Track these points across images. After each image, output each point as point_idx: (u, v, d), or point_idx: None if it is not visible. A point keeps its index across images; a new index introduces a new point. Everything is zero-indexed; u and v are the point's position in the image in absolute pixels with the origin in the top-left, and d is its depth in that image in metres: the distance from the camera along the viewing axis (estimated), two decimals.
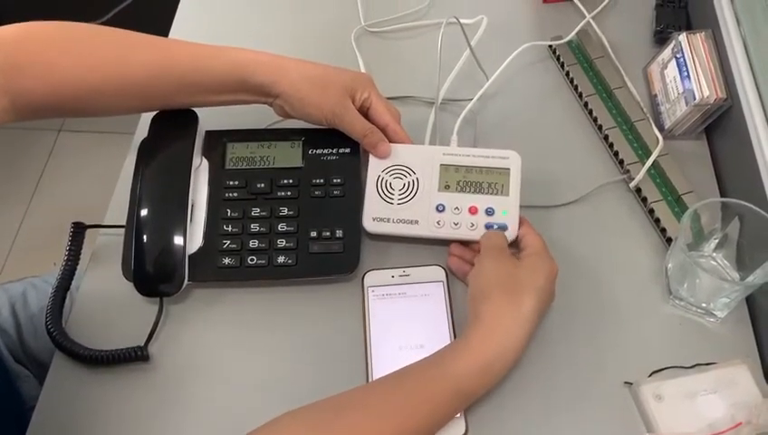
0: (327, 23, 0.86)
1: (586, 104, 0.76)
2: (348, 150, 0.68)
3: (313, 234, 0.64)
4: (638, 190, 0.70)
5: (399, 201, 0.66)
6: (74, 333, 0.63)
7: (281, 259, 0.64)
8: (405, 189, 0.66)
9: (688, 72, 0.71)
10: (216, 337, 0.64)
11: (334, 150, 0.68)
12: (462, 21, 0.76)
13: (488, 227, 0.64)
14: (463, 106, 0.75)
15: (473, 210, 0.65)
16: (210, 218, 0.66)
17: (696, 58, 0.71)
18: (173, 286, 0.63)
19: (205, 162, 0.68)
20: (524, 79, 0.80)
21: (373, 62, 0.81)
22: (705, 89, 0.69)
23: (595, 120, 0.75)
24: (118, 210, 0.69)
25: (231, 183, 0.67)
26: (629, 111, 0.73)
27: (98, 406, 0.60)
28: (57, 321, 0.62)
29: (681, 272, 0.62)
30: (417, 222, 0.65)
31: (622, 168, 0.71)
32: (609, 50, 0.79)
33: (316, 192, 0.66)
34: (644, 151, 0.71)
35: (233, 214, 0.66)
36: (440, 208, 0.65)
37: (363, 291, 0.64)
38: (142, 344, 0.61)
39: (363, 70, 0.80)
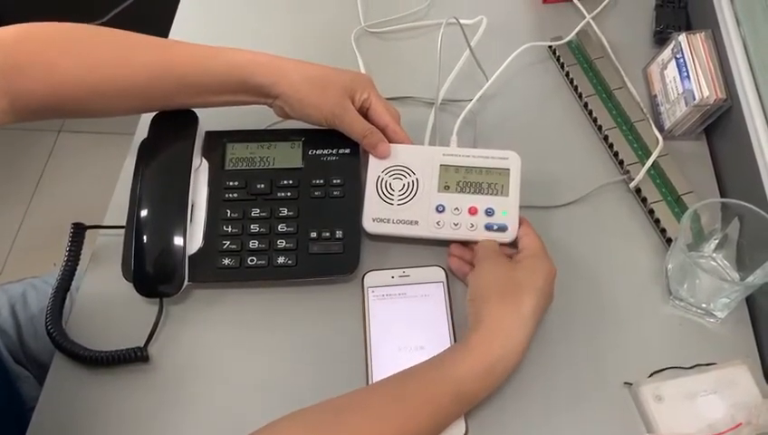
0: (327, 23, 0.86)
1: (586, 105, 0.76)
2: (348, 151, 0.68)
3: (313, 234, 0.64)
4: (638, 191, 0.70)
5: (399, 202, 0.66)
6: (74, 333, 0.63)
7: (281, 260, 0.64)
8: (405, 190, 0.66)
9: (688, 73, 0.71)
10: (216, 338, 0.64)
11: (334, 151, 0.68)
12: (462, 21, 0.76)
13: (488, 227, 0.64)
14: (462, 107, 0.75)
15: (473, 211, 0.65)
16: (210, 219, 0.66)
17: (695, 58, 0.71)
18: (173, 287, 0.63)
19: (204, 163, 0.68)
20: (524, 79, 0.80)
21: (373, 62, 0.81)
22: (705, 89, 0.69)
23: (595, 120, 0.75)
24: (118, 211, 0.69)
25: (231, 184, 0.67)
26: (629, 112, 0.73)
27: (98, 407, 0.60)
28: (57, 321, 0.62)
29: (681, 272, 0.62)
30: (416, 223, 0.65)
31: (622, 168, 0.71)
32: (609, 50, 0.79)
33: (316, 193, 0.66)
34: (644, 152, 0.71)
35: (233, 214, 0.66)
36: (440, 209, 0.65)
37: (363, 291, 0.64)
38: (142, 345, 0.61)
39: (363, 70, 0.80)
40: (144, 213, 0.62)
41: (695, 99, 0.69)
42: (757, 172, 0.64)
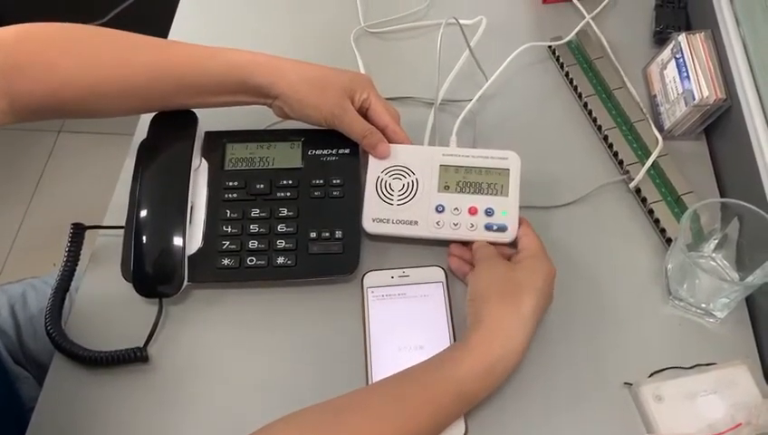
0: (326, 23, 0.86)
1: (585, 105, 0.76)
2: (347, 151, 0.68)
3: (313, 235, 0.64)
4: (638, 191, 0.70)
5: (399, 202, 0.66)
6: (74, 334, 0.63)
7: (280, 260, 0.64)
8: (404, 190, 0.66)
9: (688, 73, 0.71)
10: (216, 338, 0.64)
11: (334, 151, 0.68)
12: (461, 21, 0.76)
13: (488, 227, 0.64)
14: (462, 107, 0.75)
15: (472, 211, 0.65)
16: (209, 219, 0.66)
17: (695, 58, 0.71)
18: (172, 287, 0.63)
19: (204, 163, 0.68)
20: (524, 79, 0.80)
21: (373, 62, 0.81)
22: (705, 89, 0.69)
23: (594, 120, 0.75)
24: (117, 211, 0.69)
25: (230, 184, 0.67)
26: (629, 112, 0.73)
27: (97, 407, 0.60)
28: (56, 322, 0.62)
29: (681, 272, 0.62)
30: (416, 223, 0.65)
31: (622, 168, 0.71)
32: (609, 50, 0.79)
33: (316, 193, 0.66)
34: (643, 152, 0.71)
35: (232, 215, 0.66)
36: (440, 209, 0.65)
37: (363, 292, 0.64)
38: (142, 345, 0.61)
39: (363, 70, 0.80)
40: (143, 213, 0.62)
41: (694, 99, 0.69)
42: (757, 172, 0.64)
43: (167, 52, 0.65)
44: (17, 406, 0.69)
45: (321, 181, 0.67)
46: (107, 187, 0.73)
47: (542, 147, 0.74)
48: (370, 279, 0.65)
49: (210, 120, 0.69)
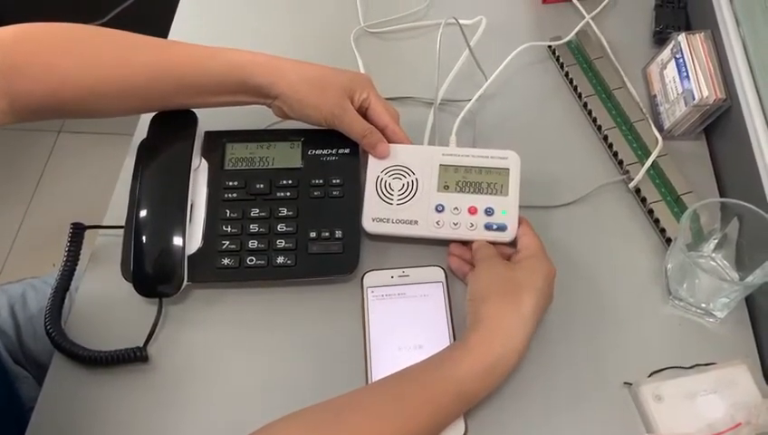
0: (326, 23, 0.86)
1: (585, 105, 0.76)
2: (347, 151, 0.68)
3: (313, 234, 0.64)
4: (638, 191, 0.70)
5: (399, 201, 0.66)
6: (73, 333, 0.63)
7: (280, 260, 0.64)
8: (404, 190, 0.66)
9: (687, 73, 0.71)
10: (216, 338, 0.64)
11: (333, 151, 0.68)
12: (461, 21, 0.76)
13: (488, 227, 0.64)
14: (462, 107, 0.75)
15: (472, 210, 0.65)
16: (209, 219, 0.66)
17: (695, 58, 0.71)
18: (172, 287, 0.63)
19: (204, 163, 0.68)
20: (523, 79, 0.80)
21: (372, 62, 0.81)
22: (705, 89, 0.69)
23: (594, 120, 0.75)
24: (117, 211, 0.69)
25: (230, 184, 0.67)
26: (629, 112, 0.73)
27: (97, 407, 0.60)
28: (56, 322, 0.62)
29: (680, 272, 0.62)
30: (416, 222, 0.65)
31: (621, 168, 0.71)
32: (609, 50, 0.79)
33: (315, 193, 0.66)
34: (643, 152, 0.71)
35: (232, 214, 0.66)
36: (439, 209, 0.65)
37: (363, 291, 0.64)
38: (141, 345, 0.61)
39: (362, 70, 0.80)
40: (143, 213, 0.62)
41: (694, 99, 0.69)
42: (756, 172, 0.64)
43: (167, 52, 0.65)
44: (17, 406, 0.69)
45: (321, 181, 0.67)
46: (107, 187, 0.73)
47: (541, 147, 0.74)
48: (370, 279, 0.65)
49: (210, 119, 0.69)
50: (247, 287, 0.66)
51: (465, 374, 0.54)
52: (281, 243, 0.64)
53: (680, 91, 0.71)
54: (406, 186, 0.66)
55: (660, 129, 0.73)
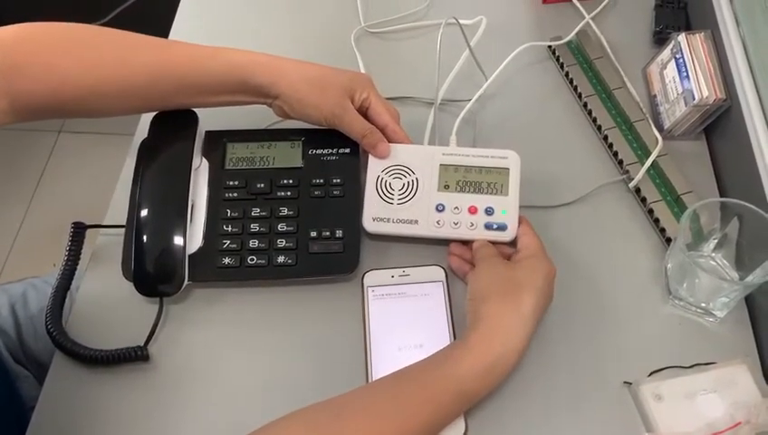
0: (327, 23, 0.86)
1: (585, 105, 0.76)
2: (348, 151, 0.68)
3: (313, 234, 0.65)
4: (638, 190, 0.70)
5: (399, 201, 0.66)
6: (74, 333, 0.63)
7: (281, 259, 0.64)
8: (404, 189, 0.66)
9: (687, 73, 0.71)
10: (217, 337, 0.64)
11: (334, 151, 0.68)
12: (461, 21, 0.77)
13: (488, 226, 0.64)
14: (462, 106, 0.75)
15: (472, 210, 0.65)
16: (210, 218, 0.66)
17: (695, 58, 0.71)
18: (173, 286, 0.63)
19: (205, 162, 0.68)
20: (524, 79, 0.80)
21: (373, 62, 0.81)
22: (705, 89, 0.69)
23: (594, 120, 0.75)
24: (118, 210, 0.69)
25: (231, 183, 0.67)
26: (629, 112, 0.73)
27: (98, 406, 0.60)
28: (57, 321, 0.62)
29: (680, 272, 0.62)
30: (416, 222, 0.65)
31: (621, 168, 0.71)
32: (609, 50, 0.79)
33: (316, 192, 0.66)
34: (643, 152, 0.71)
35: (233, 214, 0.66)
36: (440, 208, 0.65)
37: (363, 291, 0.64)
38: (142, 344, 0.61)
39: (363, 70, 0.80)
40: (144, 212, 0.63)
41: (694, 99, 0.69)
42: (756, 172, 0.64)
43: (167, 51, 0.66)
44: (18, 405, 0.69)
45: (322, 181, 0.67)
46: (107, 187, 0.73)
47: (541, 147, 0.74)
48: (371, 278, 0.65)
49: (211, 119, 0.69)
50: (248, 287, 0.66)
51: (466, 373, 0.54)
52: (281, 242, 0.64)
53: (680, 91, 0.71)
54: (406, 185, 0.66)
55: (660, 129, 0.73)
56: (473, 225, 0.64)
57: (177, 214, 0.63)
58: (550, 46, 0.81)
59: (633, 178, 0.69)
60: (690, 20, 0.81)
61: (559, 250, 0.64)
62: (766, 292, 0.61)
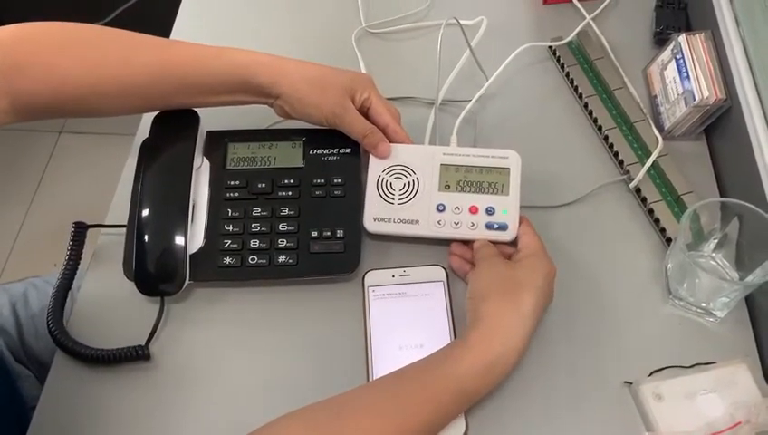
0: (328, 24, 0.86)
1: (586, 105, 0.76)
2: (348, 151, 0.68)
3: (314, 234, 0.65)
4: (638, 191, 0.70)
5: (400, 201, 0.66)
6: (75, 332, 0.63)
7: (282, 259, 0.64)
8: (405, 189, 0.66)
9: (688, 73, 0.71)
10: (217, 336, 0.64)
11: (335, 151, 0.68)
12: (462, 22, 0.77)
13: (489, 226, 0.64)
14: (462, 107, 0.75)
15: (473, 210, 0.65)
16: (211, 218, 0.66)
17: (695, 59, 0.71)
18: (174, 286, 0.63)
19: (206, 162, 0.68)
20: (524, 80, 0.80)
21: (374, 62, 0.81)
22: (705, 90, 0.69)
23: (595, 120, 0.75)
24: (119, 210, 0.69)
25: (232, 183, 0.67)
26: (629, 112, 0.73)
27: (99, 405, 0.60)
28: (58, 320, 0.62)
29: (681, 272, 0.62)
30: (417, 222, 0.65)
31: (622, 168, 0.72)
32: (609, 51, 0.79)
33: (317, 192, 0.66)
34: (644, 152, 0.71)
35: (234, 214, 0.66)
36: (441, 208, 0.65)
37: (364, 291, 0.65)
38: (143, 344, 0.61)
39: (364, 70, 0.80)
40: (145, 212, 0.63)
41: (694, 99, 0.69)
42: (756, 172, 0.64)
43: (168, 51, 0.66)
44: (19, 405, 0.69)
45: (323, 180, 0.67)
46: (107, 187, 0.73)
47: (542, 147, 0.74)
48: (371, 278, 0.65)
49: (212, 119, 0.69)
50: (249, 286, 0.66)
51: (466, 372, 0.54)
52: (282, 242, 0.64)
53: (680, 91, 0.71)
54: (407, 185, 0.66)
55: (661, 129, 0.73)
56: (474, 224, 0.64)
57: (178, 214, 0.63)
58: (550, 47, 0.81)
59: (633, 179, 0.70)
60: (690, 20, 0.81)
61: (559, 250, 0.64)
62: (766, 292, 0.62)
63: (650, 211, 0.68)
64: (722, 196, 0.70)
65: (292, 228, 0.65)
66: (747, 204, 0.61)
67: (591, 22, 0.81)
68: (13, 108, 0.61)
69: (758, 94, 0.67)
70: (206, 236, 0.65)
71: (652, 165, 0.70)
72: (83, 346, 0.61)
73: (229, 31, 0.86)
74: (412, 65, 0.82)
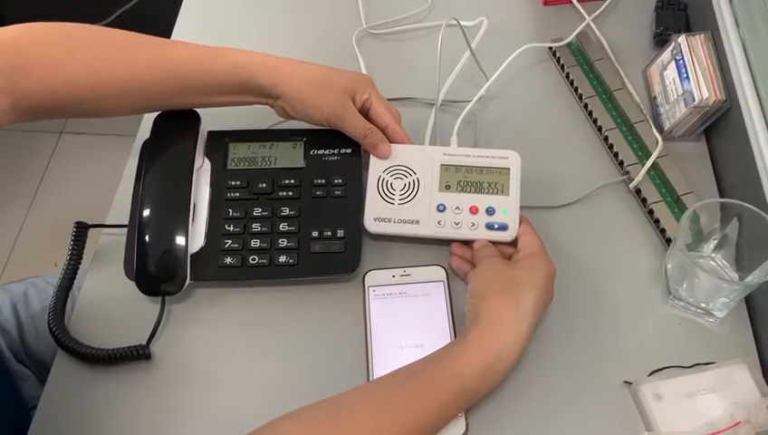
0: (329, 25, 0.87)
1: (586, 105, 0.76)
2: (349, 151, 0.68)
3: (315, 234, 0.65)
4: (638, 191, 0.70)
5: (400, 201, 0.66)
6: (76, 331, 0.63)
7: (282, 259, 0.64)
8: (406, 189, 0.66)
9: (687, 74, 0.71)
10: (218, 336, 0.64)
11: (335, 151, 0.69)
12: (462, 23, 0.77)
13: (489, 226, 0.64)
14: (463, 107, 0.75)
15: (473, 210, 0.65)
16: (212, 218, 0.66)
17: (695, 60, 0.72)
18: (175, 286, 0.63)
19: (207, 163, 0.69)
20: (524, 80, 0.80)
21: (374, 63, 0.82)
22: (705, 90, 0.69)
23: (595, 121, 0.75)
24: (120, 210, 0.69)
25: (233, 183, 0.67)
26: (629, 113, 0.74)
27: (100, 405, 0.60)
28: (59, 319, 0.62)
29: (680, 272, 0.62)
30: (417, 222, 0.65)
31: (622, 169, 0.72)
32: (609, 52, 0.79)
33: (317, 192, 0.67)
34: (644, 152, 0.72)
35: (234, 214, 0.66)
36: (441, 208, 0.65)
37: (364, 291, 0.65)
38: (144, 343, 0.61)
39: (364, 71, 0.80)
40: (146, 212, 0.63)
41: (694, 100, 0.70)
42: (756, 173, 0.64)
43: (169, 51, 0.66)
44: (19, 405, 0.70)
45: (323, 181, 0.67)
46: (108, 188, 0.73)
47: (542, 147, 0.74)
48: (372, 278, 0.65)
49: (213, 119, 0.69)
50: (249, 286, 0.66)
51: (466, 370, 0.54)
52: (283, 242, 0.64)
53: (680, 92, 0.72)
54: (407, 186, 0.66)
55: (660, 130, 0.73)
56: (474, 225, 0.65)
57: (179, 214, 0.63)
58: (550, 47, 0.81)
59: (633, 179, 0.70)
60: (690, 22, 0.82)
61: (559, 250, 0.64)
62: (766, 292, 0.62)
63: (650, 212, 0.69)
64: (721, 196, 0.70)
65: (293, 228, 0.65)
66: (747, 204, 0.61)
67: (591, 23, 0.81)
68: (14, 108, 0.61)
69: (757, 95, 0.67)
70: (207, 236, 0.65)
71: (652, 166, 0.70)
72: (84, 346, 0.61)
73: (230, 32, 0.86)
74: (412, 66, 0.82)
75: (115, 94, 0.65)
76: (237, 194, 0.67)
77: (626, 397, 0.60)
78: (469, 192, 0.66)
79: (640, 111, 0.74)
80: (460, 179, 0.66)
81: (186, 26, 0.87)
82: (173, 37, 0.85)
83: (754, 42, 0.69)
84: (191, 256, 0.63)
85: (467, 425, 0.57)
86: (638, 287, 0.66)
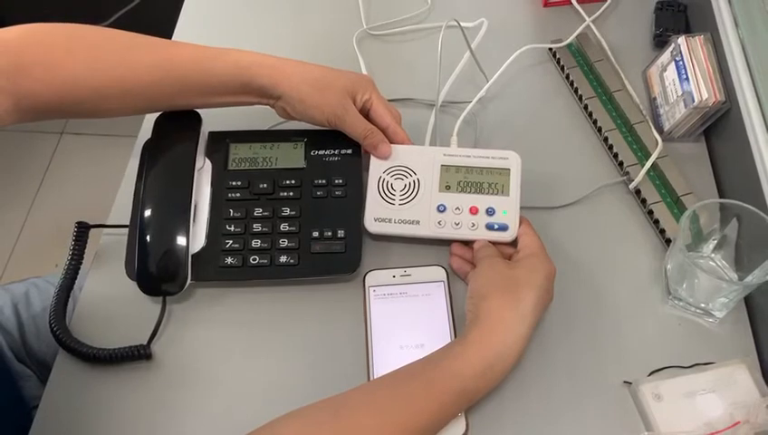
0: (329, 25, 0.87)
1: (586, 106, 0.77)
2: (349, 151, 0.69)
3: (315, 234, 0.65)
4: (638, 192, 0.70)
5: (401, 202, 0.66)
6: (77, 331, 0.63)
7: (283, 259, 0.64)
8: (406, 190, 0.67)
9: (687, 75, 0.71)
10: (219, 336, 0.64)
11: (336, 151, 0.69)
12: (462, 24, 0.77)
13: (489, 226, 0.64)
14: (463, 108, 0.75)
15: (473, 210, 0.65)
16: (213, 218, 0.66)
17: (694, 61, 0.72)
18: (176, 286, 0.63)
19: (208, 163, 0.69)
20: (524, 81, 0.80)
21: (374, 64, 0.82)
22: (704, 91, 0.70)
23: (595, 122, 0.76)
24: (121, 211, 0.69)
25: (234, 183, 0.67)
26: (629, 114, 0.74)
27: (101, 405, 0.61)
28: (61, 319, 0.63)
29: (680, 272, 0.62)
30: (418, 222, 0.65)
31: (622, 169, 0.72)
32: (609, 53, 0.79)
33: (318, 193, 0.67)
34: (643, 153, 0.72)
35: (235, 214, 0.66)
36: (441, 209, 0.65)
37: (364, 291, 0.65)
38: (145, 343, 0.62)
39: (365, 72, 0.81)
40: (148, 212, 0.63)
41: (694, 101, 0.70)
42: (755, 173, 0.64)
43: (170, 52, 0.66)
44: (20, 405, 0.70)
45: (324, 181, 0.67)
46: (109, 189, 0.73)
47: (542, 148, 0.74)
48: (372, 278, 0.65)
49: (214, 120, 0.70)
50: (250, 286, 0.66)
51: (466, 370, 0.54)
52: (284, 242, 0.65)
53: (680, 93, 0.72)
54: (407, 186, 0.67)
55: (660, 130, 0.73)
56: (474, 225, 0.65)
57: (180, 214, 0.63)
58: (550, 48, 0.81)
59: (633, 180, 0.70)
60: (690, 23, 0.82)
61: (559, 251, 0.64)
62: (765, 292, 0.62)
63: (650, 212, 0.69)
64: (721, 197, 0.71)
65: (294, 229, 0.65)
66: (746, 205, 0.61)
67: (591, 24, 0.81)
68: (16, 108, 0.61)
69: (757, 96, 0.67)
70: (208, 237, 0.65)
71: (652, 166, 0.70)
72: (85, 346, 0.61)
73: (231, 32, 0.86)
74: (413, 67, 0.82)
75: (116, 95, 0.65)
76: (238, 194, 0.67)
77: (626, 397, 0.60)
78: (469, 192, 0.66)
79: (640, 111, 0.74)
80: (460, 180, 0.66)
81: (187, 27, 0.87)
82: (174, 38, 0.85)
83: (754, 43, 0.69)
84: (192, 256, 0.64)
85: (467, 425, 0.57)
86: (637, 287, 0.66)
